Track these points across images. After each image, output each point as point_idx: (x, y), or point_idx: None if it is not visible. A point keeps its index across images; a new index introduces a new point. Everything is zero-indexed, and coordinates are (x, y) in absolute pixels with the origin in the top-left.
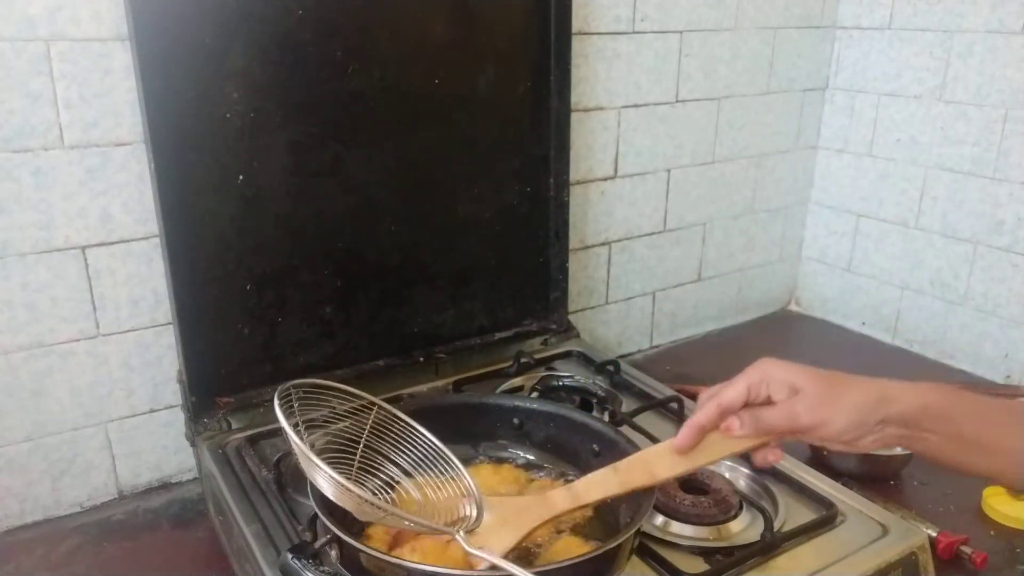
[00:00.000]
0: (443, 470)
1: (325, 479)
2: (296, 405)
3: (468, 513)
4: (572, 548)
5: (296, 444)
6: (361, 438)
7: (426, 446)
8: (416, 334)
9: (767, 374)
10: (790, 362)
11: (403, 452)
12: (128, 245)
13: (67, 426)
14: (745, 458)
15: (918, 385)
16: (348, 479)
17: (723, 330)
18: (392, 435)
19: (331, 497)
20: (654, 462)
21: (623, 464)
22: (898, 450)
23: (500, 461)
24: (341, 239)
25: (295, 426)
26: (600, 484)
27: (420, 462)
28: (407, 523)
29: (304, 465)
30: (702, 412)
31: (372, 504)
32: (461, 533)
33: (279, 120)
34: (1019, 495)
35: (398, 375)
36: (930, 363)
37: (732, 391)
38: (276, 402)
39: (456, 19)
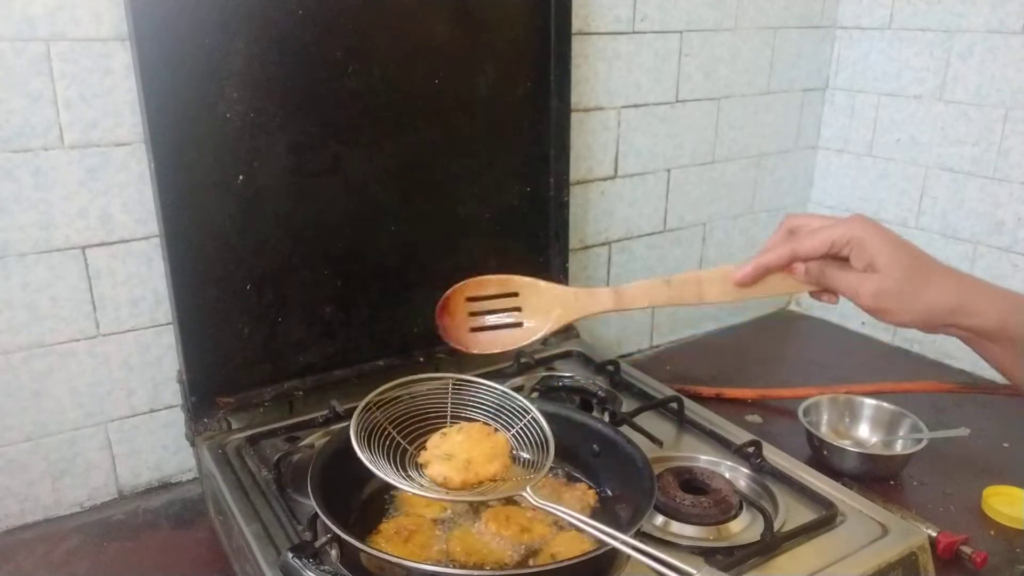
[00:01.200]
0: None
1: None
2: (379, 413)
3: (538, 461)
4: (573, 545)
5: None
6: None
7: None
8: (416, 334)
9: (856, 236)
10: (884, 231)
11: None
12: (128, 245)
13: (67, 426)
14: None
15: (1004, 297)
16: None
17: (723, 330)
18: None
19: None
20: (707, 283)
21: (676, 278)
22: (898, 450)
23: None
24: (341, 239)
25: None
26: (648, 291)
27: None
28: (473, 500)
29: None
30: (775, 254)
31: (424, 494)
32: (528, 489)
33: (279, 120)
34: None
35: (398, 375)
36: (930, 363)
37: (812, 242)
38: (353, 430)
39: (456, 19)
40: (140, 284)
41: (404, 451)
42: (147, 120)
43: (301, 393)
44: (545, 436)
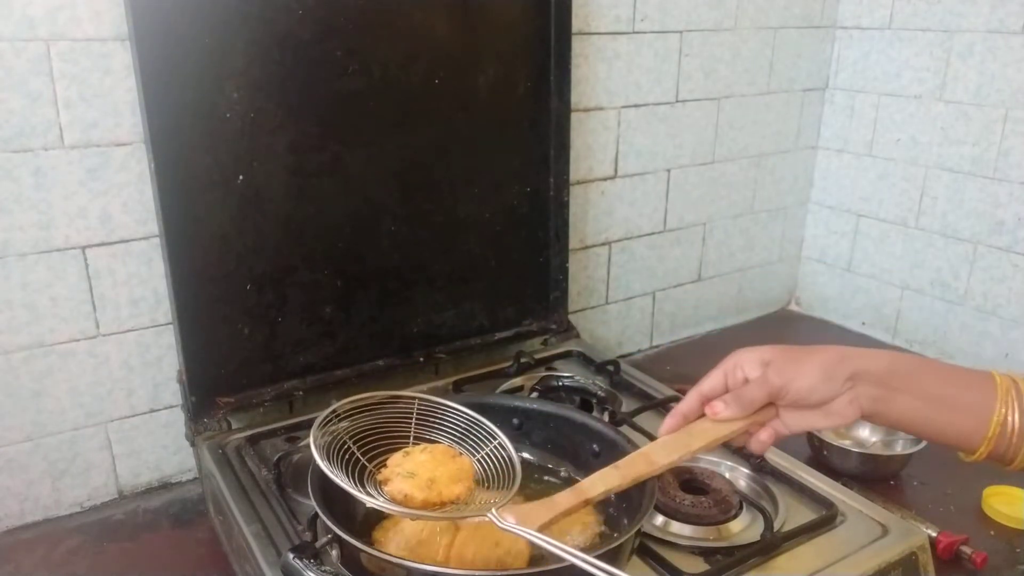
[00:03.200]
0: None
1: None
2: (343, 423)
3: (505, 486)
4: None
5: (322, 465)
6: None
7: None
8: (416, 334)
9: (739, 359)
10: (761, 345)
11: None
12: (128, 245)
13: (67, 426)
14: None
15: (882, 350)
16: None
17: (723, 330)
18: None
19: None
20: (652, 454)
21: (623, 461)
22: (898, 450)
23: None
24: (341, 239)
25: (324, 449)
26: (602, 480)
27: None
28: (435, 517)
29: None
30: (683, 401)
31: (387, 507)
32: (494, 511)
33: (279, 120)
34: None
35: (398, 375)
36: None
37: (709, 380)
38: (314, 432)
39: (456, 19)
40: (140, 284)
41: (363, 468)
42: (147, 120)
43: (301, 393)
44: (511, 462)
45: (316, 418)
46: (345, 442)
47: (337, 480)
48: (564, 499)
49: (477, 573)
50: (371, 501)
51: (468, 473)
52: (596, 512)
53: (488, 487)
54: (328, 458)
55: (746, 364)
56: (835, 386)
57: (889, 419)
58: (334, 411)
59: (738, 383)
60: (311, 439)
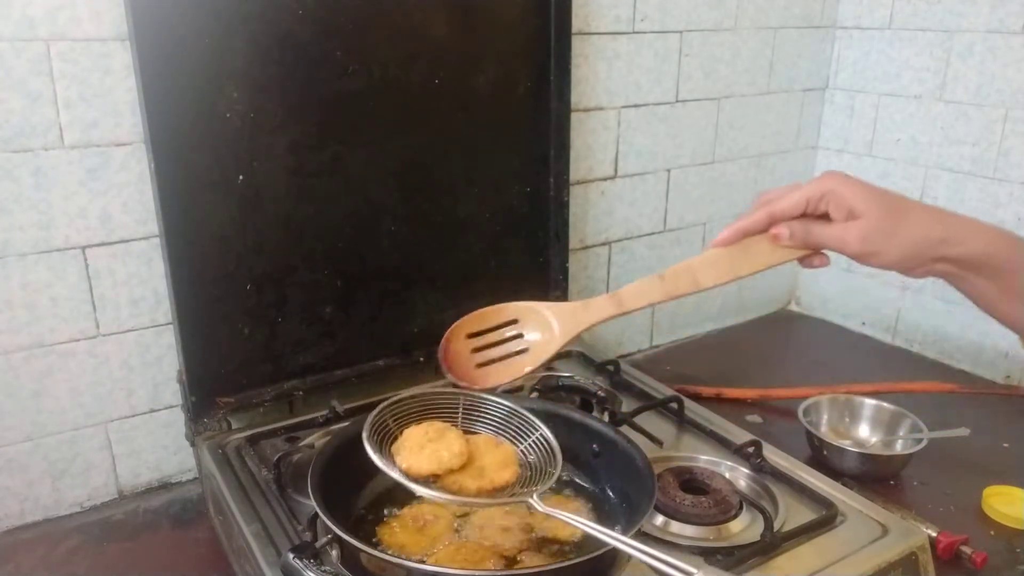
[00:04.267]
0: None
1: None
2: (391, 421)
3: (548, 470)
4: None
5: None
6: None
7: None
8: (416, 334)
9: (830, 190)
10: (856, 180)
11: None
12: (128, 245)
13: (67, 426)
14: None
15: (987, 229)
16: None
17: (723, 330)
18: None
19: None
20: (699, 270)
21: (668, 272)
22: (898, 450)
23: None
24: (341, 239)
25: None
26: (645, 291)
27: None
28: (480, 504)
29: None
30: (749, 216)
31: (439, 496)
32: (535, 497)
33: (279, 120)
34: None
35: (398, 375)
36: (930, 363)
37: (788, 201)
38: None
39: (456, 19)
40: (140, 284)
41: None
42: (147, 120)
43: (301, 393)
44: (552, 451)
45: (366, 419)
46: (396, 435)
47: (398, 477)
48: (602, 308)
49: (477, 573)
50: (420, 490)
51: (513, 459)
52: (596, 511)
53: (532, 475)
54: (380, 451)
55: (834, 200)
56: (917, 263)
57: (959, 289)
58: (384, 408)
59: (816, 212)
60: (364, 436)
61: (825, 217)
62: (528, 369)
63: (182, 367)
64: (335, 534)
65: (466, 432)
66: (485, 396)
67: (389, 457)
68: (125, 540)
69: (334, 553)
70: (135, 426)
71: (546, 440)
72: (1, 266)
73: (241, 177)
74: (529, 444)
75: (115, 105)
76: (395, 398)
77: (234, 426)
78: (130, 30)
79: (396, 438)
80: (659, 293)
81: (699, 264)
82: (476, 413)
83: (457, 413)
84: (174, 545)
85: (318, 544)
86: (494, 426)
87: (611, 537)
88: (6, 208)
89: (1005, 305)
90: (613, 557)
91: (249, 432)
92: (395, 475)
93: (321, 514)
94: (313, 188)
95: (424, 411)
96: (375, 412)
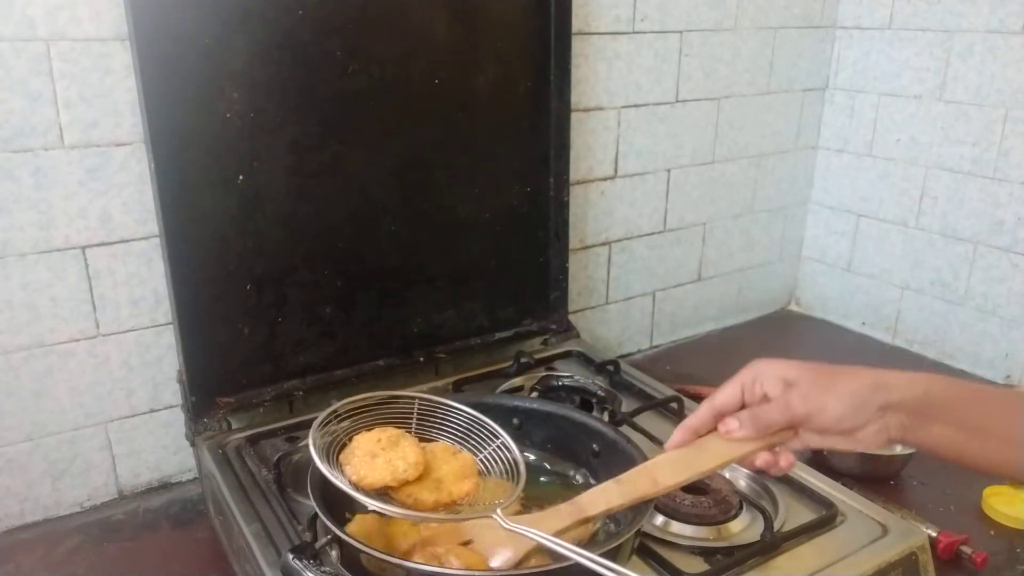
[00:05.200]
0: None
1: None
2: (344, 423)
3: (511, 481)
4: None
5: (322, 468)
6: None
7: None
8: (416, 334)
9: (759, 372)
10: (783, 359)
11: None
12: (128, 245)
13: (67, 426)
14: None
15: (916, 374)
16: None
17: (723, 330)
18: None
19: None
20: (657, 471)
21: (626, 476)
22: (898, 450)
23: None
24: (341, 239)
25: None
26: (603, 496)
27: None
28: (438, 519)
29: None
30: (694, 414)
31: (391, 511)
32: (499, 512)
33: (279, 120)
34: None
35: (398, 375)
36: (930, 363)
37: (725, 392)
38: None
39: (456, 19)
40: (140, 284)
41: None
42: (147, 120)
43: (301, 393)
44: (515, 462)
45: (316, 418)
46: (345, 443)
47: (337, 482)
48: (561, 516)
49: (477, 573)
50: (372, 503)
51: (472, 469)
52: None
53: (494, 485)
54: (328, 459)
55: (766, 380)
56: (864, 417)
57: (920, 446)
58: (334, 411)
59: (756, 399)
60: (310, 440)
61: (765, 400)
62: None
63: (182, 367)
64: (335, 534)
65: (422, 440)
66: (442, 400)
67: (337, 466)
68: (125, 540)
69: (334, 553)
70: (135, 426)
71: (507, 448)
72: (1, 266)
73: (241, 177)
74: (490, 453)
75: (115, 105)
76: (344, 401)
77: (234, 426)
78: (130, 30)
79: (345, 445)
80: (617, 496)
81: (657, 466)
82: (432, 419)
83: (411, 419)
84: (174, 545)
85: (318, 544)
86: (452, 434)
87: (577, 554)
88: (6, 208)
89: (971, 448)
90: (613, 557)
91: (249, 432)
92: (343, 487)
93: (321, 514)
94: (313, 188)
95: (376, 416)
96: (323, 416)
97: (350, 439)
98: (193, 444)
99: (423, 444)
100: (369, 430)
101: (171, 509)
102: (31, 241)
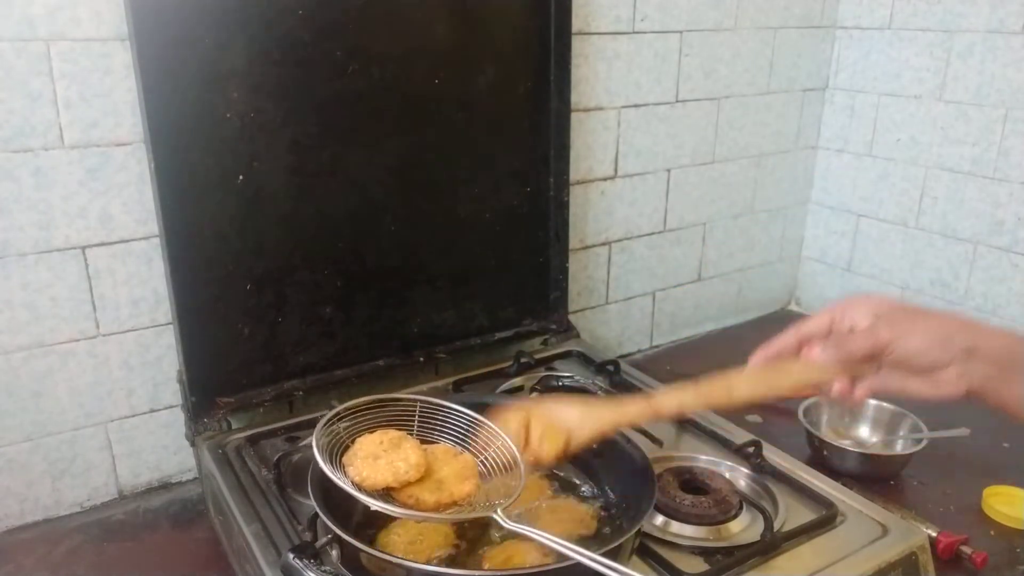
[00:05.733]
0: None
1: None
2: (343, 425)
3: (512, 481)
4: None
5: (326, 470)
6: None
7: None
8: (416, 334)
9: (851, 304)
10: (877, 295)
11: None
12: (128, 245)
13: (67, 426)
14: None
15: (1008, 329)
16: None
17: (723, 330)
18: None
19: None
20: (733, 383)
21: (704, 383)
22: (898, 450)
23: None
24: (341, 239)
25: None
26: (677, 396)
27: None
28: (439, 519)
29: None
30: (778, 338)
31: (390, 509)
32: (499, 512)
33: (279, 120)
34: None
35: (398, 375)
36: None
37: (814, 321)
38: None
39: (456, 19)
40: (140, 284)
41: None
42: (147, 120)
43: (301, 393)
44: (516, 462)
45: (319, 420)
46: (347, 445)
47: (340, 483)
48: (634, 409)
49: (477, 573)
50: (374, 503)
51: (473, 470)
52: (596, 511)
53: (494, 485)
54: (331, 460)
55: (856, 312)
56: (948, 354)
57: (999, 401)
58: (336, 413)
59: (843, 331)
60: (313, 441)
61: (852, 332)
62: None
63: (182, 367)
64: (335, 534)
65: (423, 442)
66: (443, 403)
67: (340, 468)
68: (125, 540)
69: (334, 553)
70: (135, 426)
71: (508, 449)
72: (1, 266)
73: (241, 177)
74: (491, 454)
75: (115, 105)
76: (347, 404)
77: (234, 426)
78: (130, 30)
79: (347, 447)
80: (692, 399)
81: (735, 380)
82: (433, 421)
83: (413, 421)
84: (174, 545)
85: (318, 544)
86: (453, 435)
87: (579, 554)
88: (6, 208)
89: None
90: (613, 557)
91: (249, 432)
92: (346, 487)
93: (321, 514)
94: (313, 188)
95: (378, 419)
96: (325, 419)
97: (352, 441)
98: (193, 444)
99: (424, 446)
100: (371, 432)
101: (171, 509)
102: (31, 241)
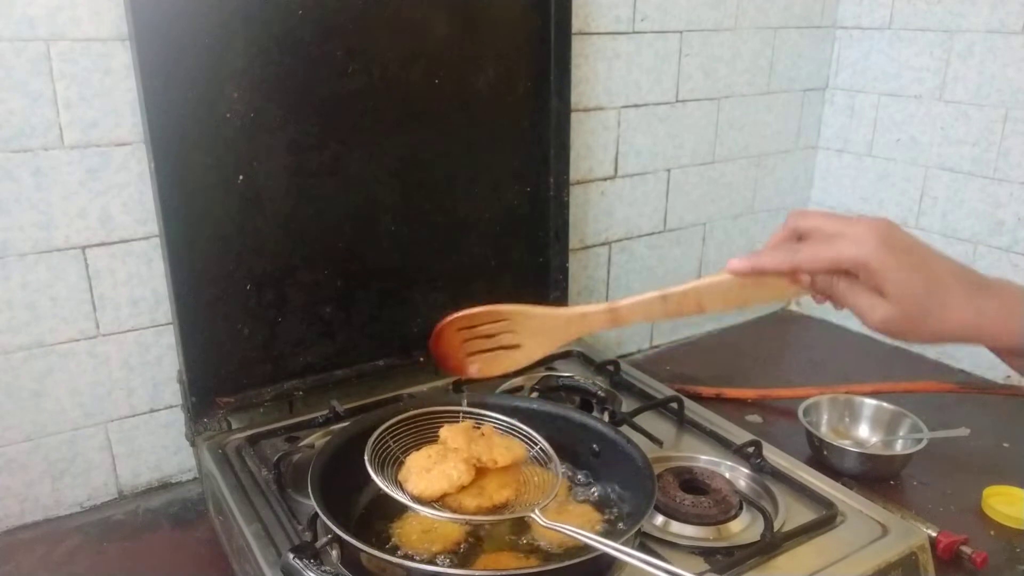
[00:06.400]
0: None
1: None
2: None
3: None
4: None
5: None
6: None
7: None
8: (416, 334)
9: (862, 262)
10: (895, 251)
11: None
12: (128, 245)
13: (67, 426)
14: (743, 454)
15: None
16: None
17: (723, 330)
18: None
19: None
20: (705, 293)
21: (672, 293)
22: (898, 450)
23: None
24: (341, 239)
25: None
26: (643, 308)
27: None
28: (481, 520)
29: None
30: (774, 259)
31: (442, 515)
32: (536, 512)
33: (279, 120)
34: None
35: (398, 375)
36: (930, 363)
37: (816, 259)
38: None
39: (456, 19)
40: (140, 284)
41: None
42: (147, 120)
43: (301, 393)
44: (553, 464)
45: (368, 440)
46: (399, 457)
47: (398, 496)
48: (596, 317)
49: (478, 573)
50: (426, 511)
51: (514, 477)
52: (597, 511)
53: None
54: (383, 472)
55: (864, 274)
56: (949, 342)
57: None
58: (386, 429)
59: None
60: (367, 460)
61: (855, 276)
62: (518, 366)
63: (182, 367)
64: (335, 534)
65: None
66: (485, 413)
67: (396, 483)
68: (125, 540)
69: (334, 553)
70: (135, 426)
71: (545, 453)
72: (1, 266)
73: (241, 177)
74: (533, 453)
75: (115, 105)
76: (394, 419)
77: (234, 426)
78: (130, 30)
79: (399, 460)
80: (659, 312)
81: (706, 288)
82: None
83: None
84: (174, 545)
85: (318, 544)
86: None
87: (615, 549)
88: (6, 208)
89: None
90: (613, 557)
91: (249, 432)
92: (404, 500)
93: (321, 514)
94: (313, 188)
95: (424, 430)
96: (376, 435)
97: (404, 454)
98: (193, 444)
99: (478, 429)
100: (417, 449)
101: (171, 509)
102: (31, 241)
